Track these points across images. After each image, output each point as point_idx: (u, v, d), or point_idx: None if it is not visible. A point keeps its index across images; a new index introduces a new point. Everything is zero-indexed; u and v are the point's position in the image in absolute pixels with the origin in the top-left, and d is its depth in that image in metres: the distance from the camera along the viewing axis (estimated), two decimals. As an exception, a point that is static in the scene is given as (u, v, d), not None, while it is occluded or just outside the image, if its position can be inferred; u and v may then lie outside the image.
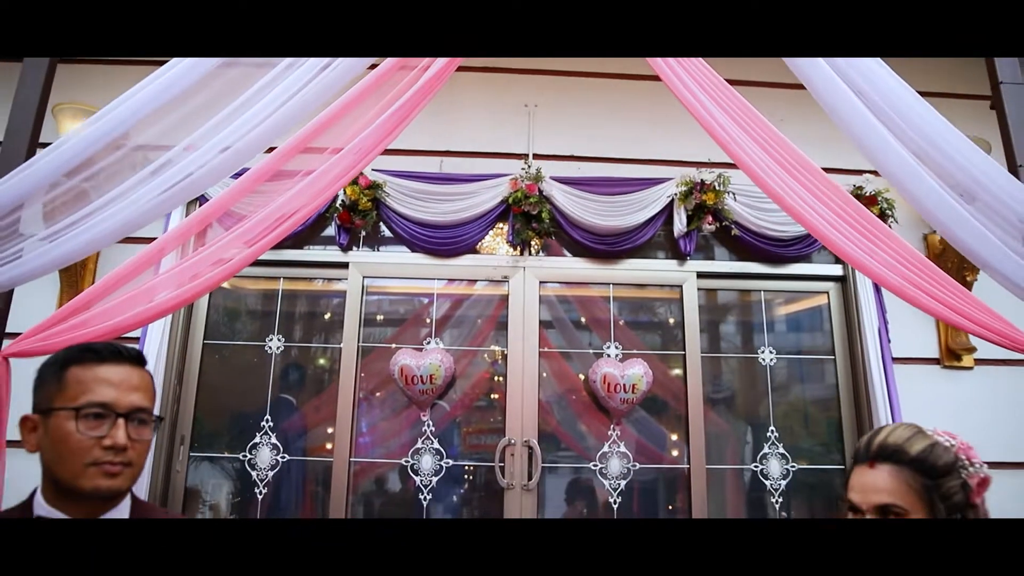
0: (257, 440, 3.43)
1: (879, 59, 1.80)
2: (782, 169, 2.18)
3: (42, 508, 1.27)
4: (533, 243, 3.63)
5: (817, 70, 1.75)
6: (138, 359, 1.33)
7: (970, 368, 3.66)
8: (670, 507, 3.55)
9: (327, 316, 3.75)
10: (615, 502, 3.44)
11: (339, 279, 3.62)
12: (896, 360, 3.51)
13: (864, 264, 2.12)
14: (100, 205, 1.67)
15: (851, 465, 1.36)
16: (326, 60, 1.69)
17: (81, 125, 1.60)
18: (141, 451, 1.28)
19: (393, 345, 3.59)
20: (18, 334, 2.15)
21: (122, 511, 1.30)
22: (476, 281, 3.71)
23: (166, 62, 1.81)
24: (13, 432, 2.17)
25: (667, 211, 3.60)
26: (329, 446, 3.43)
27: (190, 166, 1.61)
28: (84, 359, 1.29)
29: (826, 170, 2.21)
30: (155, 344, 3.25)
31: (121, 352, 1.32)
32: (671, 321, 3.76)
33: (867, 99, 1.71)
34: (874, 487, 1.31)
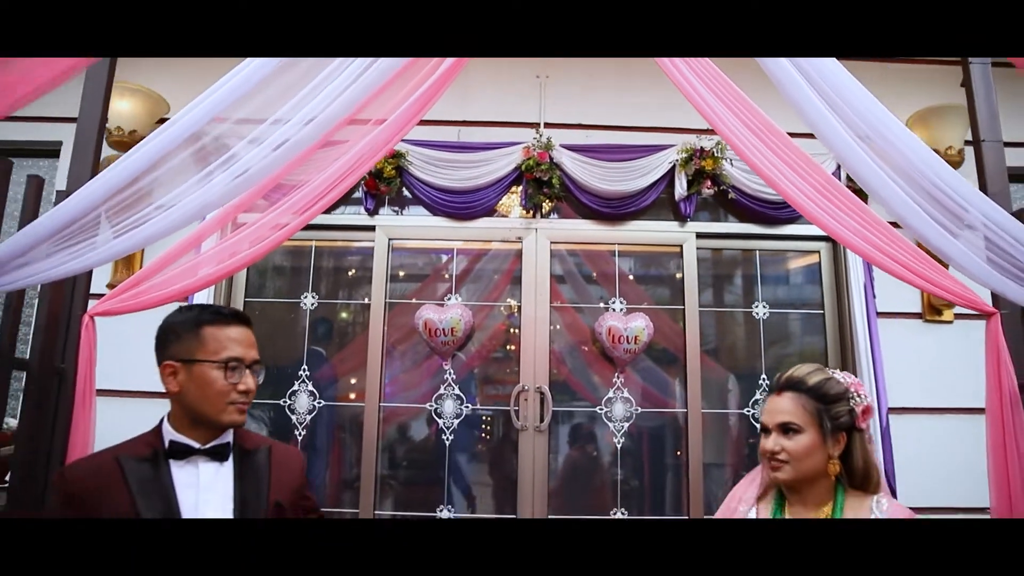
0: (296, 388, 3.80)
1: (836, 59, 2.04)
2: (762, 143, 2.45)
3: (170, 433, 1.60)
4: (544, 207, 3.92)
5: (784, 71, 1.99)
6: (248, 321, 1.67)
7: (950, 322, 3.95)
8: (677, 453, 3.91)
9: (355, 274, 4.08)
10: (619, 443, 3.81)
11: (366, 241, 3.94)
12: (880, 315, 3.81)
13: (831, 227, 2.40)
14: (170, 200, 1.97)
15: (765, 397, 1.69)
16: (368, 60, 1.97)
17: (161, 129, 1.89)
18: (254, 393, 1.64)
19: (415, 300, 3.93)
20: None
21: (227, 436, 1.65)
22: (492, 242, 4.02)
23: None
24: (102, 382, 2.55)
25: (669, 176, 3.87)
26: (353, 395, 3.81)
27: (252, 160, 1.90)
28: (215, 321, 1.62)
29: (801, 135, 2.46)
30: (201, 302, 3.60)
31: (239, 315, 1.65)
32: (672, 278, 4.06)
33: (828, 99, 1.96)
34: (779, 409, 1.64)
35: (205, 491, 1.59)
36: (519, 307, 3.89)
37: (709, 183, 3.82)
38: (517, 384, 3.74)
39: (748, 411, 3.89)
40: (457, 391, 3.83)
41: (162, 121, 3.81)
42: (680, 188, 3.86)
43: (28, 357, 2.40)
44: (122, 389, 3.48)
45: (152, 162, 1.88)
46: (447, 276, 4.02)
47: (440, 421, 3.80)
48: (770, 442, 1.65)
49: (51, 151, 4.03)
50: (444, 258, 4.10)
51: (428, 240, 4.03)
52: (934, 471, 3.72)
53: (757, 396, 3.89)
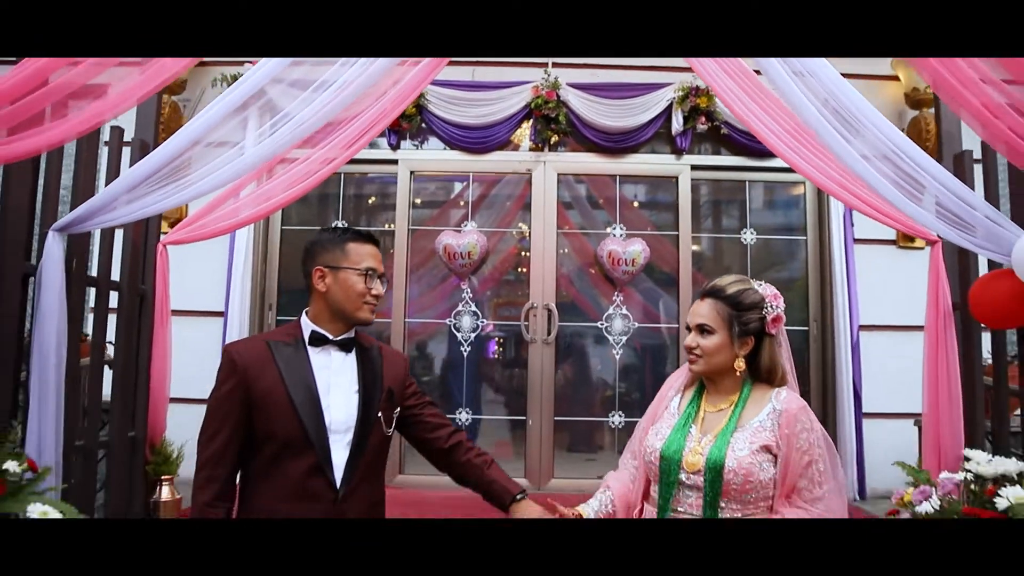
0: (329, 305, 4.28)
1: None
2: (739, 88, 2.80)
3: (310, 326, 1.89)
4: (552, 141, 4.28)
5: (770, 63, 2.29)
6: (378, 242, 1.98)
7: (921, 248, 4.33)
8: (670, 363, 4.38)
9: (379, 202, 4.50)
10: (617, 354, 4.29)
11: (390, 174, 4.33)
12: (858, 241, 4.20)
13: (800, 166, 2.79)
14: (227, 160, 2.35)
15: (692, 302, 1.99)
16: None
17: (220, 97, 2.26)
18: (381, 296, 1.95)
19: (435, 228, 4.35)
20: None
21: (352, 333, 1.94)
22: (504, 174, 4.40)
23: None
24: (177, 302, 3.02)
25: (666, 112, 4.21)
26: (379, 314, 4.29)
27: (293, 126, 2.28)
28: (357, 239, 1.92)
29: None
30: (244, 232, 4.04)
31: (372, 237, 1.96)
32: (668, 206, 4.45)
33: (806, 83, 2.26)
34: (698, 312, 1.87)
35: (336, 374, 1.88)
36: (529, 232, 4.31)
37: (703, 119, 4.16)
38: (528, 302, 4.20)
39: (734, 326, 4.34)
40: (473, 308, 4.31)
41: (203, 64, 4.15)
42: (676, 123, 4.20)
43: (118, 279, 2.87)
44: (183, 309, 3.97)
45: (223, 117, 2.26)
46: (463, 203, 4.43)
47: (459, 335, 4.29)
48: (689, 339, 1.89)
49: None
50: (460, 186, 4.50)
51: (446, 172, 4.42)
52: (900, 381, 4.17)
53: (742, 313, 4.33)
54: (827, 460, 1.75)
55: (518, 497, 1.97)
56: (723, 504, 1.73)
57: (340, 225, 1.82)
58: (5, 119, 1.82)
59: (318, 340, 1.88)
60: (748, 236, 4.41)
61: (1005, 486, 1.61)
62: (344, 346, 1.91)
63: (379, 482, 1.97)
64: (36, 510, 1.61)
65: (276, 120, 2.33)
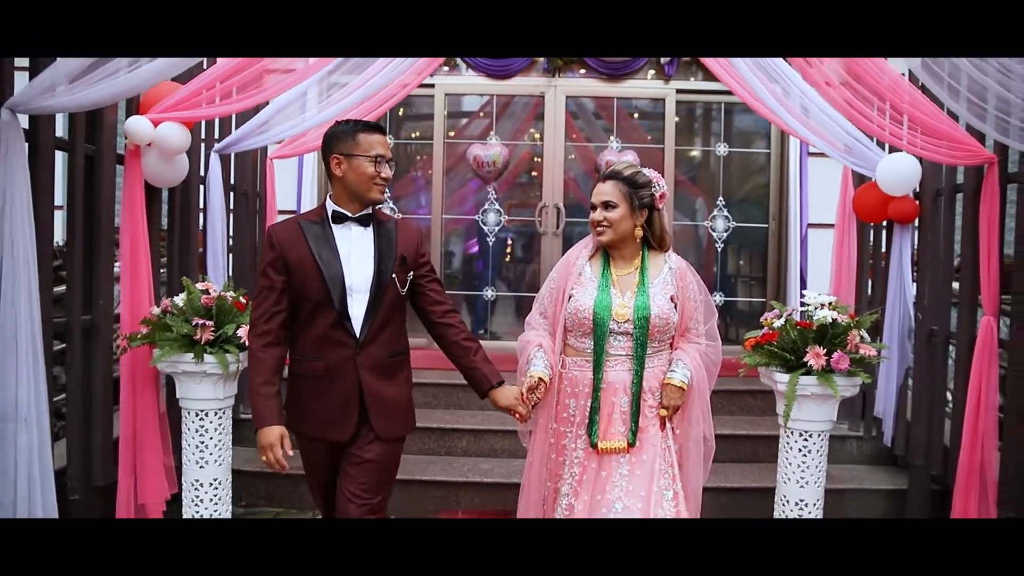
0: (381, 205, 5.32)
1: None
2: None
3: (332, 206, 2.14)
4: (561, 68, 5.17)
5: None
6: (384, 131, 2.20)
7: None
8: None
9: (417, 114, 5.47)
10: (612, 245, 5.35)
11: (428, 96, 5.26)
12: (811, 154, 5.12)
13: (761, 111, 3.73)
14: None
15: (594, 184, 2.30)
16: None
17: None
18: (390, 179, 2.17)
19: (464, 140, 5.33)
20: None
21: (369, 210, 2.17)
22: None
23: None
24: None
25: (657, 45, 5.07)
26: (420, 210, 5.34)
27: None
28: (366, 129, 2.12)
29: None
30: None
31: (379, 125, 2.19)
32: (657, 122, 5.38)
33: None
34: (602, 191, 2.18)
35: (355, 245, 2.13)
36: (542, 143, 5.27)
37: (687, 51, 5.03)
38: (540, 202, 5.22)
39: (707, 223, 5.36)
40: (497, 207, 5.34)
41: None
42: (666, 54, 5.07)
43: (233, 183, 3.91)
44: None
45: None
46: (488, 119, 5.38)
47: (485, 228, 5.35)
48: (596, 215, 2.19)
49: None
50: (484, 100, 5.44)
51: (473, 94, 5.37)
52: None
53: (715, 212, 5.35)
54: (707, 305, 2.29)
55: (496, 385, 2.25)
56: (649, 344, 2.18)
57: (357, 119, 2.19)
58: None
59: (339, 218, 2.14)
60: (721, 149, 5.37)
61: (821, 308, 2.69)
62: (362, 221, 2.15)
63: (399, 335, 2.25)
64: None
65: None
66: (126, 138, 2.75)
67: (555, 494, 2.29)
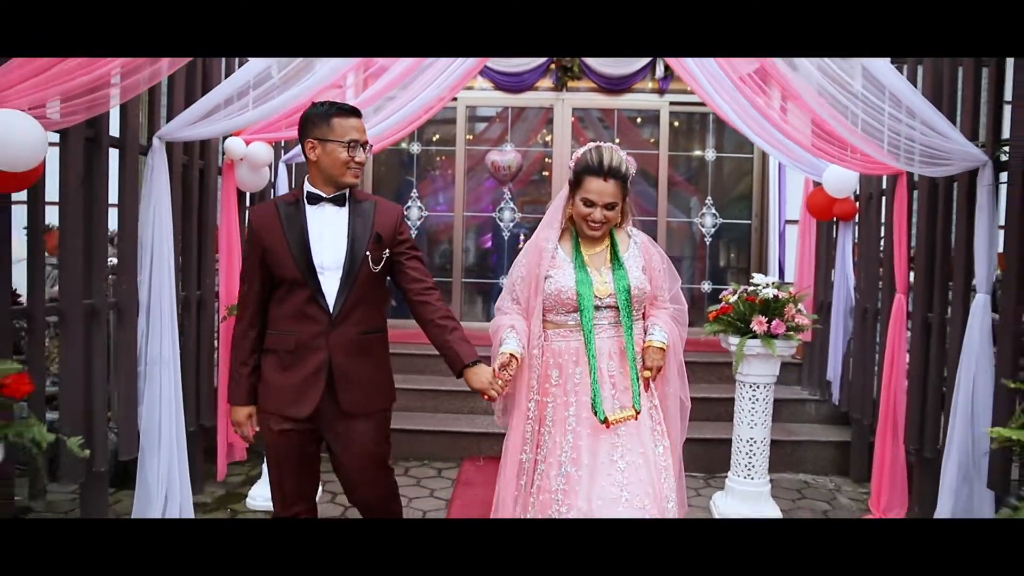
0: (408, 204, 6.10)
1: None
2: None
3: (308, 187, 2.14)
4: (567, 84, 5.92)
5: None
6: (360, 115, 2.15)
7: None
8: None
9: (443, 124, 6.24)
10: (612, 238, 6.09)
11: (451, 107, 6.03)
12: (788, 157, 5.84)
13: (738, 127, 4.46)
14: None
15: (581, 173, 2.24)
16: None
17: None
18: (364, 163, 2.16)
19: (483, 147, 6.09)
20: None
21: (344, 192, 2.16)
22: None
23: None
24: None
25: (652, 63, 5.81)
26: (444, 209, 6.11)
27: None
28: (340, 114, 2.10)
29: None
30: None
31: (355, 111, 2.13)
32: (653, 131, 6.12)
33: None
34: (607, 192, 2.20)
35: (327, 224, 2.14)
36: (552, 145, 6.02)
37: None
38: (550, 200, 5.95)
39: (697, 220, 6.10)
40: (512, 205, 6.11)
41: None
42: (659, 71, 5.82)
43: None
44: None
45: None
46: (504, 127, 6.14)
47: (501, 224, 6.11)
48: (598, 214, 2.21)
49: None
50: (499, 110, 6.20)
51: (491, 106, 6.13)
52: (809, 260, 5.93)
53: (704, 210, 6.08)
54: (669, 271, 2.41)
55: (470, 364, 2.15)
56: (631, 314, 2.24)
57: (332, 101, 2.17)
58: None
59: (314, 199, 2.15)
60: (710, 154, 6.10)
61: (766, 287, 3.44)
62: (336, 201, 2.16)
63: (375, 312, 2.25)
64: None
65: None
66: (223, 154, 3.55)
67: (535, 465, 2.29)
